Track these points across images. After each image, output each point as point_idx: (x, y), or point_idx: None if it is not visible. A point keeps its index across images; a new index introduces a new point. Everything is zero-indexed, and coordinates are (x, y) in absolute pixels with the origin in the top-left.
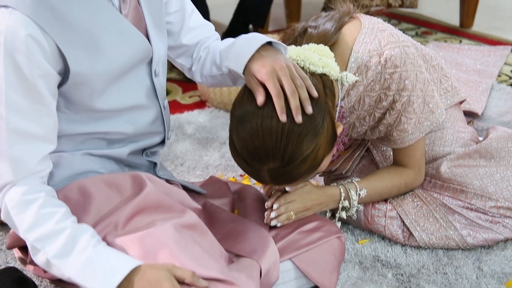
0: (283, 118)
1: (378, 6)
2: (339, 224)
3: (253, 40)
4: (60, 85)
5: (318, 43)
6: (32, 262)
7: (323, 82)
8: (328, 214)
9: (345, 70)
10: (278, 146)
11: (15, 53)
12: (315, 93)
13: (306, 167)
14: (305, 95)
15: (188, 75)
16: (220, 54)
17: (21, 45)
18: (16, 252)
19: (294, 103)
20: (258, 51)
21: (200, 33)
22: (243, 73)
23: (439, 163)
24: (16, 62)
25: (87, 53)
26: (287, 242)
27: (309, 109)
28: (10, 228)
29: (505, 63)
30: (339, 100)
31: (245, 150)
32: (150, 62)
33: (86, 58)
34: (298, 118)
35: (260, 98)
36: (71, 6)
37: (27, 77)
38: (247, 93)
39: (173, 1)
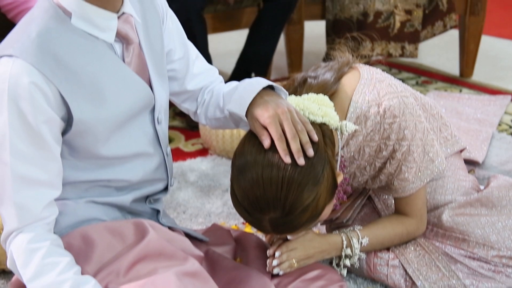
0: (286, 159)
1: (379, 56)
2: (344, 271)
3: (255, 84)
4: (64, 133)
5: (317, 93)
6: None
7: (323, 131)
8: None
9: (345, 120)
10: (278, 196)
11: (19, 100)
12: (315, 137)
13: (307, 216)
14: (306, 139)
15: (193, 118)
16: (223, 97)
17: (24, 92)
18: None
19: (295, 147)
20: (260, 95)
21: (204, 78)
22: (246, 116)
23: (441, 211)
24: (20, 109)
25: (90, 101)
26: None
27: (310, 152)
28: (12, 276)
29: (505, 113)
30: (339, 149)
31: (246, 200)
32: (153, 110)
33: (89, 106)
34: (300, 161)
35: (266, 142)
36: (74, 55)
37: (31, 124)
38: (247, 143)
39: (177, 49)
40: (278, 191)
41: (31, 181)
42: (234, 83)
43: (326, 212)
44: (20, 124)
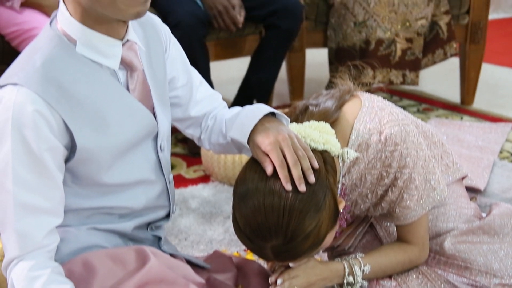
0: (288, 186)
1: (380, 83)
2: None
3: (256, 110)
4: (67, 160)
5: (319, 120)
6: None
7: (324, 158)
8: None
9: (346, 147)
10: (280, 223)
11: (22, 128)
12: (316, 164)
13: (309, 243)
14: (307, 165)
15: (197, 144)
16: (225, 124)
17: (28, 120)
18: None
19: (296, 173)
20: (261, 121)
21: (207, 104)
22: (248, 143)
23: (443, 239)
24: (24, 136)
25: (93, 129)
26: None
27: (311, 179)
28: None
29: (507, 140)
30: (341, 176)
31: (247, 227)
32: (156, 137)
33: (92, 134)
34: (302, 187)
35: (269, 169)
36: (79, 83)
37: (34, 152)
38: (249, 170)
39: (180, 76)
40: (279, 218)
41: (33, 208)
42: (236, 109)
43: (328, 240)
44: (24, 152)
